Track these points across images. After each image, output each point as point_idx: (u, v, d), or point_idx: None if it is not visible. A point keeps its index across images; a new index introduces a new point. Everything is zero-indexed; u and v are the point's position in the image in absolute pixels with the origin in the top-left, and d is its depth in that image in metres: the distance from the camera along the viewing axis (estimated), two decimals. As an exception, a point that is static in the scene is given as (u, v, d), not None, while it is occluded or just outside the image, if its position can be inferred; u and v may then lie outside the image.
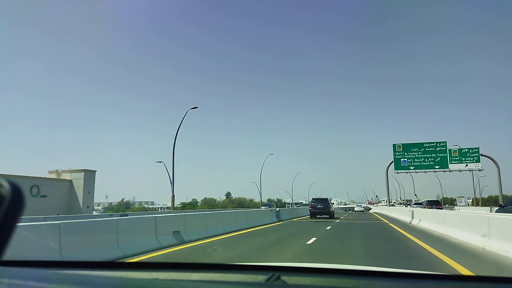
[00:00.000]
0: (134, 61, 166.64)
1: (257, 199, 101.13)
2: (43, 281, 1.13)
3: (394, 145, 43.93)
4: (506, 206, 24.22)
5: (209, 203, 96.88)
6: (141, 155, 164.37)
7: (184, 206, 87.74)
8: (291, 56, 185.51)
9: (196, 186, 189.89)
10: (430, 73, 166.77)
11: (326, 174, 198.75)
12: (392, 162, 44.57)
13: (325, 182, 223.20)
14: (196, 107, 33.57)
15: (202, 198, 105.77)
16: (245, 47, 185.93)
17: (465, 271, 6.90)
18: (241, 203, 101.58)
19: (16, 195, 0.89)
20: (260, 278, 1.38)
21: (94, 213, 42.77)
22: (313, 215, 29.41)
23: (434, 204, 45.69)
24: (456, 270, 7.02)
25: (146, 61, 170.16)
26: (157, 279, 1.41)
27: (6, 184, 0.89)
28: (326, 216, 29.30)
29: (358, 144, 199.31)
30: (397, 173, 44.10)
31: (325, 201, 30.40)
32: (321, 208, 29.24)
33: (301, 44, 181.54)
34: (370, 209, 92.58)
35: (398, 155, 43.77)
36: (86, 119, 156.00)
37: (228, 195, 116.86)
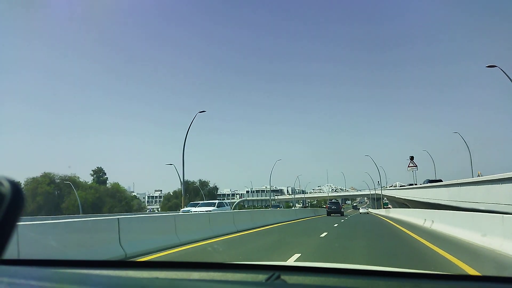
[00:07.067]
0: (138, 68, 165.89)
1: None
2: (43, 280, 1.14)
3: None
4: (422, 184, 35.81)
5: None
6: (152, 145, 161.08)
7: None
8: (283, 59, 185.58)
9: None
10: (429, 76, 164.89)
11: (314, 150, 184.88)
12: None
13: (313, 163, 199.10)
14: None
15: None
16: (243, 53, 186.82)
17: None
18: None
19: (16, 193, 0.88)
20: (260, 277, 1.38)
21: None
22: (328, 213, 39.12)
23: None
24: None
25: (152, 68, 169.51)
26: (157, 278, 1.41)
27: (6, 183, 0.89)
28: (338, 214, 38.42)
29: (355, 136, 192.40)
30: None
31: (338, 204, 42.15)
32: (334, 209, 39.71)
33: (300, 49, 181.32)
34: (387, 204, 55.65)
35: None
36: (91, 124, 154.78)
37: (96, 172, 68.57)
